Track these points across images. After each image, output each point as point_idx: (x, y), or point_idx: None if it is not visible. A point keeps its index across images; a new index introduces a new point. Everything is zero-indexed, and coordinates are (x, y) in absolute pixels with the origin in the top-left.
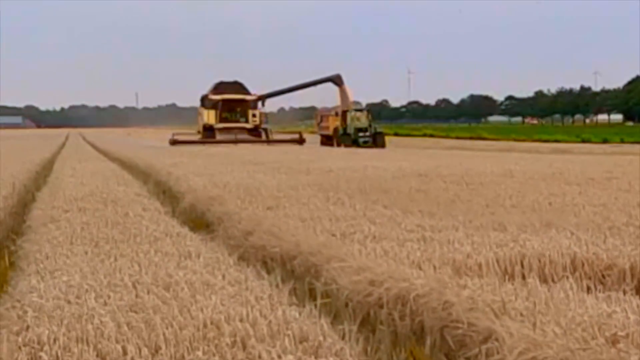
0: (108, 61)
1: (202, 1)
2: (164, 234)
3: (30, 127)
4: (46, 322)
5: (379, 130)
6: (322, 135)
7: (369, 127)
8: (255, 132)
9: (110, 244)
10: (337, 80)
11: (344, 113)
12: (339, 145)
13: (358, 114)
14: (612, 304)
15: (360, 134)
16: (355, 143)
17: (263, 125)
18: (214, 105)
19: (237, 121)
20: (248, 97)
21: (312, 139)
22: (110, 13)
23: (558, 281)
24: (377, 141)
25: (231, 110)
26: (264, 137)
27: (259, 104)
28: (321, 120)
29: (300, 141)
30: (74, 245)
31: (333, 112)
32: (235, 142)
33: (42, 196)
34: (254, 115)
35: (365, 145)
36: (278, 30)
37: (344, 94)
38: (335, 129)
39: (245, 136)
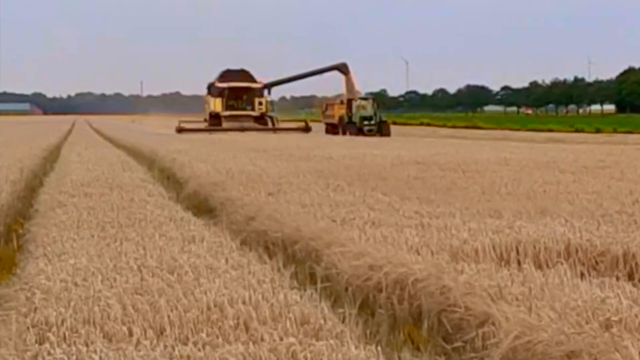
0: (113, 49)
1: None
2: (168, 219)
3: (38, 113)
4: (54, 304)
5: (383, 119)
6: (327, 124)
7: (374, 116)
8: (261, 119)
9: (115, 228)
10: (342, 68)
11: (350, 101)
12: (344, 133)
13: (364, 102)
14: (605, 289)
15: (366, 123)
16: (360, 131)
17: (269, 113)
18: (220, 93)
19: (244, 109)
20: (254, 85)
21: (315, 127)
22: (116, 2)
23: (553, 267)
24: (382, 130)
25: (237, 98)
26: (270, 125)
27: (265, 91)
28: (326, 109)
29: (307, 129)
30: (80, 229)
31: (339, 101)
32: (242, 129)
33: (49, 181)
34: (260, 103)
35: (370, 133)
36: (277, 20)
37: (349, 83)
38: (341, 118)
39: (252, 124)
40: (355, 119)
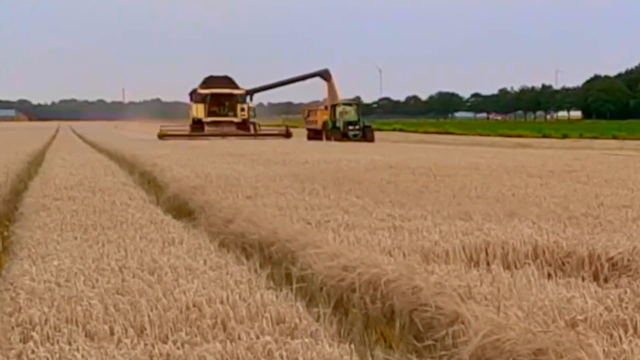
0: (96, 58)
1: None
2: (149, 221)
3: (23, 119)
4: (38, 303)
5: (367, 124)
6: (310, 130)
7: (358, 121)
8: (243, 125)
9: (98, 231)
10: (325, 75)
11: (334, 107)
12: (328, 139)
13: (347, 107)
14: (571, 289)
15: (350, 128)
16: (345, 136)
17: (251, 120)
18: (203, 99)
19: (226, 115)
20: (236, 92)
21: (294, 133)
22: (99, 12)
23: (520, 268)
24: (366, 135)
25: (220, 105)
26: (252, 130)
27: (248, 98)
28: (308, 115)
29: (287, 135)
30: (64, 231)
31: (322, 106)
32: (223, 135)
33: (34, 185)
34: (242, 110)
35: (355, 138)
36: (254, 29)
37: (332, 89)
38: (325, 123)
39: (234, 130)
40: (339, 124)
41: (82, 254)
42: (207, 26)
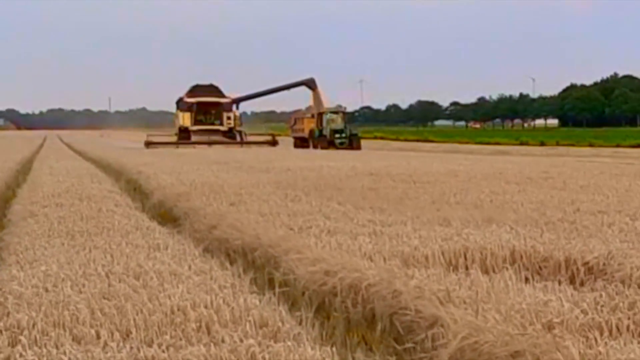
0: (83, 68)
1: (171, 10)
2: (135, 228)
3: (11, 128)
4: (25, 308)
5: (354, 132)
6: (296, 138)
7: (344, 129)
8: (229, 134)
9: (84, 237)
10: (310, 84)
11: (320, 115)
12: (315, 147)
13: (334, 115)
14: (548, 293)
15: (337, 135)
16: (331, 144)
17: (238, 128)
18: (189, 107)
19: (212, 123)
20: (222, 100)
21: (280, 141)
22: (85, 23)
23: (498, 272)
24: (353, 142)
25: (206, 113)
26: (238, 139)
27: (234, 106)
28: (295, 123)
29: (273, 143)
30: (51, 237)
31: (309, 115)
32: (210, 143)
33: (22, 192)
34: (228, 118)
35: (341, 146)
36: (238, 38)
37: (317, 97)
38: (311, 131)
39: (220, 138)
40: (326, 132)
41: (69, 260)
42: (192, 37)
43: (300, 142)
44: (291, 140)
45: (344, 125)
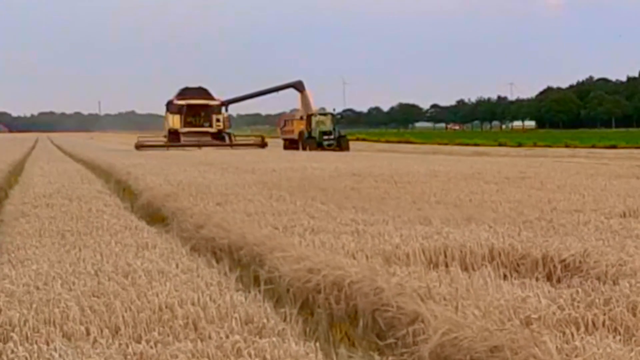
0: (73, 71)
1: (161, 14)
2: (124, 227)
3: (3, 131)
4: (17, 306)
5: (342, 133)
6: (285, 140)
7: (333, 131)
8: (218, 136)
9: (75, 236)
10: (298, 86)
11: (309, 117)
12: (304, 148)
13: (322, 117)
14: (526, 289)
15: (325, 137)
16: (320, 146)
17: (227, 130)
18: (179, 110)
19: (202, 126)
20: (212, 102)
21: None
22: (74, 27)
23: (478, 269)
24: (341, 144)
25: (195, 115)
26: (227, 141)
27: (223, 109)
28: (284, 125)
29: (263, 145)
30: (42, 237)
31: (298, 117)
32: (199, 145)
33: (13, 193)
34: (217, 120)
35: (330, 148)
36: (224, 42)
37: (305, 100)
38: (301, 133)
39: (209, 140)
40: (315, 133)
41: (60, 259)
42: (180, 41)
43: (290, 144)
44: (279, 142)
45: (333, 127)
